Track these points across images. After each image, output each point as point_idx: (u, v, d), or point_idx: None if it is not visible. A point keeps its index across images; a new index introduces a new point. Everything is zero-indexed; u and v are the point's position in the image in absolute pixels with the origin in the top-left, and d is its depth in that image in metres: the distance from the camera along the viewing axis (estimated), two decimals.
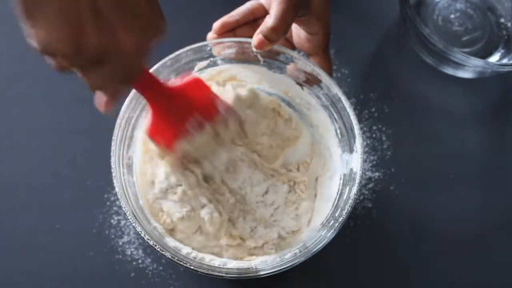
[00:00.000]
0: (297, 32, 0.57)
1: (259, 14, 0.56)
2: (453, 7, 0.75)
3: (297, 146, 0.59)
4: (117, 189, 0.49)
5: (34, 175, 0.63)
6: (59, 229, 0.61)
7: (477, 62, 0.65)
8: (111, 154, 0.51)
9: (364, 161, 0.66)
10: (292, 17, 0.52)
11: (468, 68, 0.67)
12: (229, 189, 0.56)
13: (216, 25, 0.55)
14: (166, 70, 0.55)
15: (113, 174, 0.50)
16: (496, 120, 0.70)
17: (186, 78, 0.53)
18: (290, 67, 0.56)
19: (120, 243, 0.60)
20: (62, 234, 0.61)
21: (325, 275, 0.61)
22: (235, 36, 0.56)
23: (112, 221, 0.61)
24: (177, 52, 0.54)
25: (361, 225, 0.63)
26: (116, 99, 0.44)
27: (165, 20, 0.39)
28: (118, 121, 0.52)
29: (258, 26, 0.54)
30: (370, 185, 0.65)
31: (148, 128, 0.52)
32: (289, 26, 0.52)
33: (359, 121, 0.67)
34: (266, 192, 0.57)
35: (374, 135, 0.67)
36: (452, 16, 0.74)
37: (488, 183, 0.67)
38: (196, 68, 0.57)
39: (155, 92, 0.49)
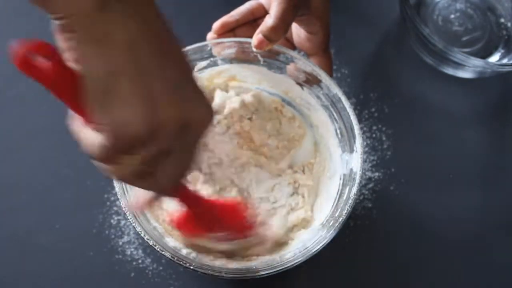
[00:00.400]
0: (297, 32, 0.57)
1: (259, 14, 0.56)
2: (453, 7, 0.75)
3: (302, 146, 0.59)
4: (117, 189, 0.49)
5: (34, 175, 0.63)
6: (59, 229, 0.61)
7: (477, 62, 0.65)
8: None
9: (364, 161, 0.66)
10: (292, 17, 0.52)
11: (468, 68, 0.67)
12: (236, 187, 0.56)
13: (216, 25, 0.55)
14: None
15: None
16: (496, 120, 0.70)
17: (230, 200, 0.54)
18: (290, 67, 0.56)
19: (120, 243, 0.60)
20: (62, 234, 0.61)
21: (325, 275, 0.61)
22: (235, 36, 0.56)
23: (112, 221, 0.61)
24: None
25: (361, 225, 0.63)
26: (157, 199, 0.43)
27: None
28: None
29: (258, 26, 0.54)
30: (370, 185, 0.65)
31: (177, 220, 0.51)
32: (288, 25, 0.52)
33: (359, 121, 0.67)
34: (272, 190, 0.58)
35: (374, 135, 0.67)
36: (452, 16, 0.74)
37: (488, 183, 0.67)
38: (196, 68, 0.57)
39: (192, 201, 0.48)
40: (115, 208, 0.62)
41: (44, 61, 0.31)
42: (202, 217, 0.50)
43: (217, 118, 0.57)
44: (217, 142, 0.57)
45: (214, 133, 0.57)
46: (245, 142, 0.58)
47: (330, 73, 0.57)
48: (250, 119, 0.59)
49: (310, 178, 0.58)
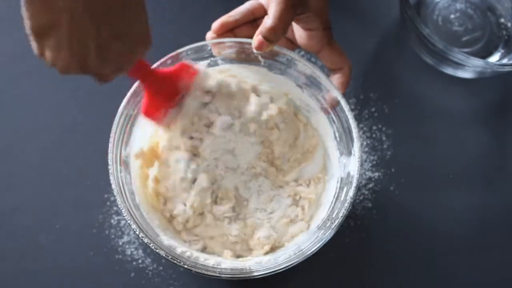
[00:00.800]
0: (298, 32, 0.57)
1: (259, 13, 0.56)
2: (453, 7, 0.75)
3: (313, 160, 0.59)
4: (113, 186, 0.50)
5: (34, 175, 0.63)
6: (59, 229, 0.61)
7: (477, 62, 0.65)
8: (109, 151, 0.51)
9: (364, 161, 0.66)
10: (290, 17, 0.51)
11: (468, 68, 0.67)
12: (235, 193, 0.56)
13: (215, 25, 0.55)
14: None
15: (110, 171, 0.50)
16: (496, 120, 0.70)
17: (175, 64, 0.55)
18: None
19: (120, 243, 0.60)
20: (62, 234, 0.61)
21: (325, 275, 0.61)
22: (235, 36, 0.56)
23: (112, 221, 0.61)
24: (177, 51, 0.54)
25: (361, 225, 0.63)
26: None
27: (150, 38, 0.43)
28: (116, 118, 0.52)
29: (258, 26, 0.54)
30: (370, 185, 0.65)
31: (143, 108, 0.53)
32: (287, 25, 0.52)
33: (359, 121, 0.67)
34: (271, 200, 0.57)
35: (374, 135, 0.67)
36: (452, 16, 0.74)
37: (488, 183, 0.67)
38: None
39: (147, 75, 0.51)
40: (115, 208, 0.62)
41: None
42: (161, 89, 0.53)
43: (252, 126, 0.56)
44: (243, 149, 0.56)
45: (244, 139, 0.57)
46: (264, 153, 0.58)
47: (341, 64, 0.57)
48: (279, 128, 0.59)
49: (313, 192, 0.57)
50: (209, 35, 0.56)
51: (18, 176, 0.63)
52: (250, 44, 0.53)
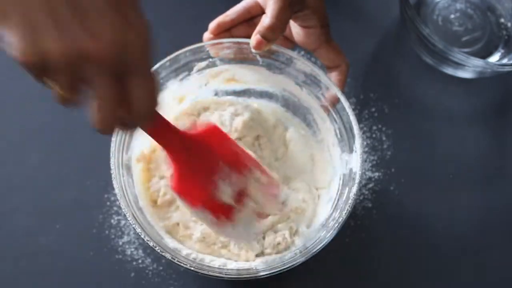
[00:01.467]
0: (296, 29, 0.57)
1: (255, 12, 0.56)
2: (453, 7, 0.75)
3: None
4: (116, 191, 0.49)
5: (34, 175, 0.63)
6: (59, 229, 0.61)
7: (477, 62, 0.65)
8: (111, 155, 0.51)
9: (364, 161, 0.66)
10: (288, 15, 0.51)
11: (468, 68, 0.67)
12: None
13: (212, 25, 0.55)
14: (165, 71, 0.55)
15: (113, 176, 0.50)
16: (496, 120, 0.70)
17: (202, 125, 0.50)
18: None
19: (120, 243, 0.60)
20: (62, 234, 0.61)
21: (325, 275, 0.61)
22: (231, 35, 0.56)
23: (112, 221, 0.61)
24: (176, 53, 0.54)
25: (361, 225, 0.63)
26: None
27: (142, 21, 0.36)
28: None
29: (254, 25, 0.54)
30: (370, 185, 0.65)
31: (173, 182, 0.48)
32: (285, 24, 0.52)
33: (359, 121, 0.67)
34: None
35: (374, 135, 0.67)
36: (452, 16, 0.74)
37: (488, 183, 0.67)
38: (195, 69, 0.57)
39: (172, 141, 0.46)
40: (115, 208, 0.62)
41: None
42: (191, 159, 0.47)
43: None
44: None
45: None
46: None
47: (339, 62, 0.57)
48: (259, 144, 0.59)
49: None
50: (206, 35, 0.56)
51: (18, 176, 0.63)
52: (248, 43, 0.53)
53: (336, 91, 0.54)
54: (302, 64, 0.55)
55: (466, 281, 0.62)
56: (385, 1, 0.75)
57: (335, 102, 0.55)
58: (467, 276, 0.62)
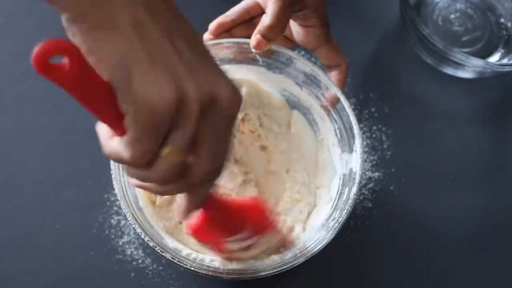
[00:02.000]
0: (295, 28, 0.56)
1: (255, 12, 0.56)
2: (453, 7, 0.75)
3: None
4: (116, 191, 0.49)
5: (34, 175, 0.63)
6: (59, 229, 0.61)
7: (477, 62, 0.65)
8: None
9: (364, 161, 0.66)
10: (289, 14, 0.51)
11: (468, 68, 0.67)
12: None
13: (212, 25, 0.55)
14: None
15: (113, 176, 0.50)
16: (496, 120, 0.70)
17: (249, 199, 0.52)
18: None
19: (120, 243, 0.60)
20: (62, 234, 0.61)
21: (325, 275, 0.61)
22: (231, 36, 0.56)
23: (112, 221, 0.61)
24: None
25: (361, 225, 0.63)
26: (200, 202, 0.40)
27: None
28: None
29: (254, 25, 0.54)
30: (370, 185, 0.65)
31: (193, 226, 0.48)
32: (286, 23, 0.52)
33: (359, 121, 0.67)
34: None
35: (374, 135, 0.67)
36: (452, 16, 0.74)
37: (488, 183, 0.67)
38: None
39: (215, 208, 0.46)
40: (115, 208, 0.62)
41: (63, 61, 0.29)
42: (219, 220, 0.48)
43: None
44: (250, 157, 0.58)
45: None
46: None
47: (339, 61, 0.56)
48: (261, 124, 0.59)
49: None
50: (206, 36, 0.56)
51: (18, 176, 0.63)
52: (247, 44, 0.53)
53: (336, 91, 0.54)
54: (302, 64, 0.55)
55: (466, 280, 0.62)
56: (385, 1, 0.75)
57: (335, 102, 0.55)
58: (467, 276, 0.62)
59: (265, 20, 0.51)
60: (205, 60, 0.33)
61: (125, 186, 0.51)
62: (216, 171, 0.36)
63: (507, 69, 0.65)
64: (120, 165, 0.51)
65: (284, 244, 0.54)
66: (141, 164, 0.33)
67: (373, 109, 0.68)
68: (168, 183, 0.35)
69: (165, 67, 0.31)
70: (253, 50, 0.53)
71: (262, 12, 0.55)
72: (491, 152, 0.69)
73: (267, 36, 0.51)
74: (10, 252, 0.60)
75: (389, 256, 0.62)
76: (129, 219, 0.48)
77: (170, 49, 0.31)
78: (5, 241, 0.61)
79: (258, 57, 0.56)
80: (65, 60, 0.29)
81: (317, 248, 0.49)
